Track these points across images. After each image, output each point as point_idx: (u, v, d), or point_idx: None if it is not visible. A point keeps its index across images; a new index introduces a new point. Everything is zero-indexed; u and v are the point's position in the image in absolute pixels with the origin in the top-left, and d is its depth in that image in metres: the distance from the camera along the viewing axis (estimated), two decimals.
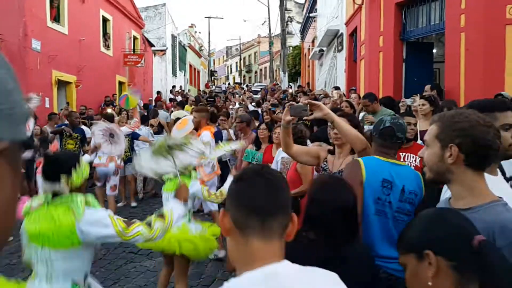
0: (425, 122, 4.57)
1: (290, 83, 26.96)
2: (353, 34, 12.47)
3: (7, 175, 0.55)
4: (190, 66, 34.49)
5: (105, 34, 17.09)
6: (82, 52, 14.66)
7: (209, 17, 45.54)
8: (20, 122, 0.57)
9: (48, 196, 2.25)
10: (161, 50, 24.19)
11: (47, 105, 12.77)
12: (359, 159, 2.42)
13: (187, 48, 32.72)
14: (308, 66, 22.79)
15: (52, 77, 13.29)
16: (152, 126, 9.70)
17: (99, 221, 2.20)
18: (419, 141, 4.14)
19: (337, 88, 11.30)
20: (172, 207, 2.43)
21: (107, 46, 17.19)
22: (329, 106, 6.84)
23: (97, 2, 16.10)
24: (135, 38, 20.44)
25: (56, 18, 13.68)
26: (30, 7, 12.23)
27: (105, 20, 17.04)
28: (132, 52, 19.15)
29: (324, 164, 3.05)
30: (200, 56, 40.60)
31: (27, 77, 12.23)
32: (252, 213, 1.06)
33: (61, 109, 12.78)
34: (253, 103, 16.66)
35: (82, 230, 2.16)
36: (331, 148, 3.16)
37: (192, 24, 39.66)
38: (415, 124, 4.27)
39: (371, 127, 3.46)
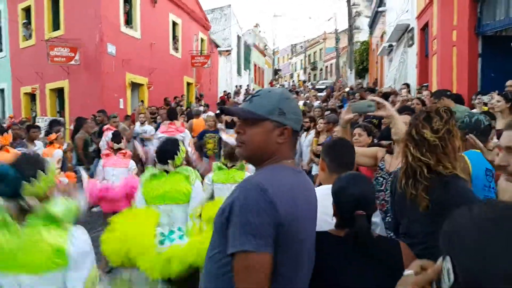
0: (501, 120, 4.28)
1: (357, 80, 26.31)
2: (425, 29, 11.92)
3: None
4: (255, 65, 34.86)
5: (174, 37, 17.78)
6: (153, 55, 15.38)
7: (274, 16, 45.60)
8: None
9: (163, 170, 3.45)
10: (227, 51, 24.69)
11: (121, 106, 13.56)
12: (462, 153, 2.50)
13: (252, 48, 33.10)
14: (377, 62, 22.10)
15: (126, 79, 14.08)
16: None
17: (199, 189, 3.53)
18: (495, 140, 3.88)
19: (407, 85, 10.85)
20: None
21: (176, 49, 17.87)
22: (398, 105, 6.60)
23: (166, 6, 16.79)
24: (202, 40, 21.06)
25: (128, 23, 14.44)
26: (105, 13, 13.01)
27: (174, 24, 17.72)
28: (199, 54, 19.73)
29: (381, 163, 3.02)
30: (264, 55, 40.90)
31: (103, 80, 13.07)
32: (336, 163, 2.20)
33: (134, 109, 13.52)
34: (318, 102, 16.48)
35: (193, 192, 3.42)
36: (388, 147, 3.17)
37: (256, 24, 40.04)
38: None
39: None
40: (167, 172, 3.42)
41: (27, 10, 15.26)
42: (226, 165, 4.38)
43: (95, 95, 12.95)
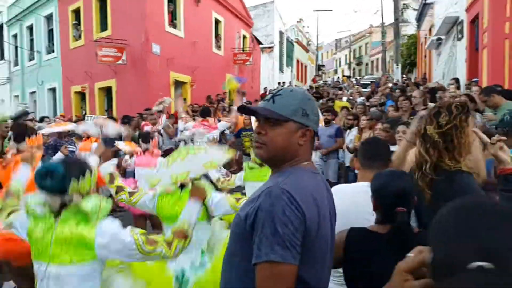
0: None
1: (404, 75, 25.48)
2: (474, 21, 11.36)
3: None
4: (297, 61, 34.62)
5: (217, 35, 17.98)
6: (196, 53, 15.63)
7: (317, 11, 45.01)
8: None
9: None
10: (269, 47, 24.68)
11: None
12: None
13: (295, 44, 32.88)
14: (425, 56, 21.31)
15: (170, 78, 14.41)
16: None
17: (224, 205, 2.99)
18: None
19: (456, 80, 10.37)
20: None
21: (218, 47, 18.07)
22: (445, 101, 6.30)
23: (209, 5, 16.99)
24: (244, 37, 21.16)
25: (173, 23, 14.75)
26: (150, 14, 13.36)
27: (217, 22, 17.92)
28: (241, 51, 19.83)
29: None
30: (307, 51, 40.51)
31: (148, 78, 13.44)
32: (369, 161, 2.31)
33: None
34: (361, 98, 16.11)
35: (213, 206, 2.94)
36: None
37: (300, 19, 39.73)
38: None
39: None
40: (182, 187, 2.94)
41: (77, 12, 15.91)
42: (257, 164, 4.36)
43: (141, 93, 13.37)
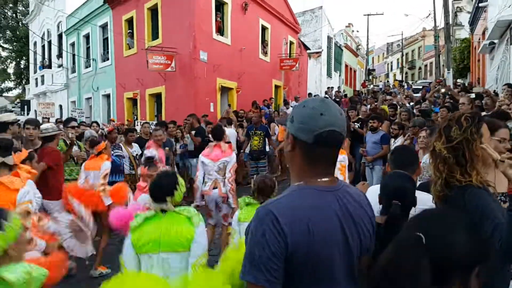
0: None
1: (458, 79, 24.38)
2: None
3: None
4: (346, 66, 34.08)
5: (263, 41, 18.08)
6: (242, 60, 15.81)
7: (368, 14, 44.09)
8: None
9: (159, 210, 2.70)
10: (316, 53, 24.49)
11: (211, 109, 14.14)
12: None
13: (343, 48, 32.41)
14: (478, 60, 20.32)
15: (217, 84, 14.66)
16: None
17: (204, 233, 2.68)
18: None
19: (508, 85, 9.76)
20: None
21: (265, 53, 18.17)
22: (456, 113, 5.93)
23: (257, 12, 17.15)
24: (291, 43, 21.13)
25: (220, 31, 15.01)
26: (199, 23, 13.69)
27: (264, 29, 18.03)
28: (288, 57, 19.82)
29: None
30: (356, 55, 39.79)
31: (196, 84, 13.76)
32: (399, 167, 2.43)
33: (223, 113, 14.05)
34: (411, 103, 15.56)
35: (197, 236, 2.60)
36: None
37: (349, 24, 39.13)
38: None
39: None
40: (163, 211, 2.67)
41: (130, 21, 16.58)
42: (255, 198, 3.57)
43: (188, 99, 13.72)
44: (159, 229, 2.59)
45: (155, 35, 15.31)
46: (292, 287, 1.30)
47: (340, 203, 1.40)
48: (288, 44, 20.80)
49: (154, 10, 15.31)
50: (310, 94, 21.77)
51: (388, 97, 21.50)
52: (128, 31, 16.68)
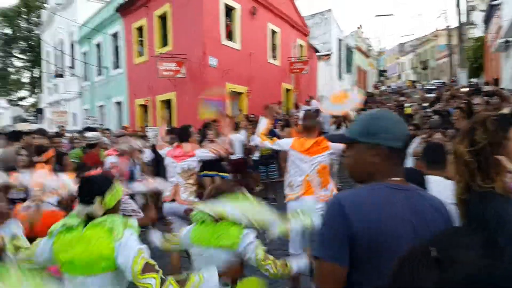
0: None
1: (471, 79, 24.04)
2: None
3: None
4: (357, 67, 33.89)
5: (273, 45, 18.09)
6: (251, 64, 15.83)
7: (379, 16, 43.80)
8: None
9: (81, 218, 2.18)
10: (326, 55, 24.41)
11: None
12: None
13: (354, 50, 32.24)
14: (493, 59, 20.00)
15: (226, 89, 14.68)
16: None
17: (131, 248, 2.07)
18: None
19: None
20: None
21: (274, 57, 18.18)
22: (480, 115, 5.83)
23: (265, 17, 17.18)
24: (300, 46, 21.11)
25: (229, 36, 15.07)
26: (207, 28, 13.77)
27: (273, 33, 18.05)
28: (297, 60, 19.79)
29: None
30: (367, 57, 39.55)
31: (206, 90, 13.77)
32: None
33: (233, 117, 14.06)
34: (424, 104, 15.41)
35: (119, 251, 2.07)
36: None
37: (359, 25, 38.95)
38: None
39: None
40: (87, 222, 2.17)
41: (140, 29, 16.77)
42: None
43: (198, 104, 13.72)
44: (75, 246, 2.09)
45: (165, 42, 15.44)
46: (357, 275, 1.42)
47: (409, 200, 1.48)
48: (298, 47, 20.78)
49: (163, 18, 15.44)
50: (321, 96, 21.66)
51: (401, 98, 21.39)
52: (139, 39, 16.87)
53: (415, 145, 6.71)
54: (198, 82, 13.91)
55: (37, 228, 3.45)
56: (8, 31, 35.23)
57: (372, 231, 1.37)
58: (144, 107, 17.01)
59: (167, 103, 15.72)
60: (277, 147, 4.50)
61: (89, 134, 6.03)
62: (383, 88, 35.94)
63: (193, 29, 13.92)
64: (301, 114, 14.48)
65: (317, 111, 7.97)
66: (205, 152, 4.84)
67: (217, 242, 2.55)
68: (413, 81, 39.79)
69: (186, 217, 4.38)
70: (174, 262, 4.33)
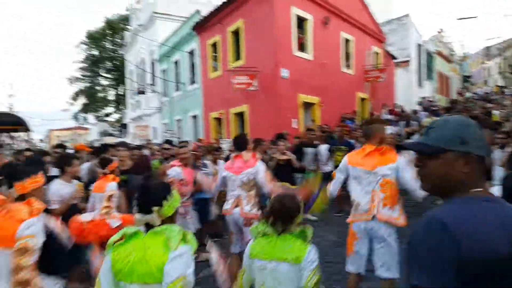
0: None
1: None
2: None
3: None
4: (439, 73, 32.00)
5: (346, 54, 17.65)
6: (324, 74, 15.54)
7: (461, 19, 41.24)
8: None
9: (143, 225, 2.19)
10: (404, 62, 23.32)
11: (294, 126, 14.03)
12: None
13: (434, 55, 30.51)
14: None
15: (298, 100, 14.54)
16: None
17: (183, 257, 2.07)
18: None
19: None
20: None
21: (347, 66, 17.71)
22: None
23: (338, 26, 16.83)
24: (376, 53, 20.38)
25: (301, 47, 14.95)
26: (279, 41, 13.78)
27: (346, 41, 17.62)
28: (372, 68, 19.11)
29: None
30: (450, 62, 37.25)
31: (278, 102, 13.78)
32: None
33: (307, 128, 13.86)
34: None
35: (169, 261, 2.03)
36: None
37: (440, 29, 36.87)
38: None
39: None
40: (148, 227, 2.19)
41: (214, 45, 17.29)
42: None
43: (270, 116, 13.78)
44: (134, 253, 2.08)
45: (238, 56, 15.73)
46: None
47: (505, 213, 1.33)
48: (373, 54, 20.07)
49: (236, 33, 15.76)
50: (395, 104, 20.70)
51: (489, 105, 19.76)
52: (213, 54, 17.40)
53: (502, 154, 6.08)
54: (270, 94, 13.94)
55: (88, 236, 3.52)
56: (95, 52, 38.28)
57: (484, 252, 1.21)
58: (218, 120, 17.40)
59: (240, 116, 15.93)
60: (341, 174, 4.04)
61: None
62: (468, 94, 33.53)
63: (265, 42, 14.01)
64: None
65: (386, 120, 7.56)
66: (263, 168, 4.64)
67: (282, 255, 2.48)
68: (501, 87, 36.75)
69: (245, 228, 4.41)
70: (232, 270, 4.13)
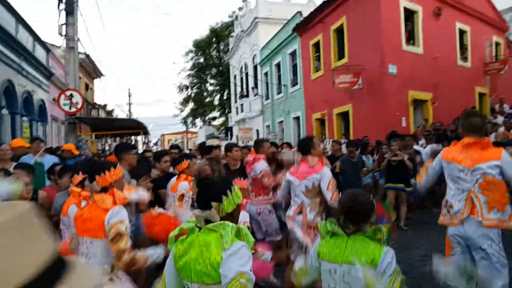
0: None
1: None
2: None
3: None
4: None
5: (461, 46, 16.17)
6: (437, 68, 14.38)
7: None
8: None
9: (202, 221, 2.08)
10: None
11: (403, 124, 13.21)
12: None
13: None
14: None
15: (408, 97, 13.65)
16: None
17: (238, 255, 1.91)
18: None
19: None
20: None
21: (464, 58, 16.21)
22: None
23: (452, 16, 15.49)
24: (497, 43, 18.36)
25: (410, 41, 14.05)
26: (386, 36, 13.13)
27: (461, 32, 16.14)
28: (493, 60, 17.25)
29: None
30: None
31: (384, 100, 13.09)
32: None
33: (418, 127, 12.93)
34: None
35: (224, 261, 1.89)
36: None
37: None
38: None
39: None
40: (206, 223, 2.07)
41: (317, 45, 17.07)
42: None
43: (377, 115, 13.14)
44: (191, 251, 2.00)
45: (341, 55, 15.34)
46: None
47: None
48: (493, 45, 18.11)
49: (339, 31, 15.38)
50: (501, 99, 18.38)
51: None
52: (316, 54, 17.20)
53: None
54: (376, 92, 13.29)
55: (157, 230, 3.57)
56: (201, 60, 40.43)
57: None
58: (321, 120, 17.11)
59: (344, 116, 15.47)
60: (434, 169, 3.58)
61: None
62: None
63: (371, 38, 13.42)
64: (498, 119, 12.46)
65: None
66: (328, 174, 4.23)
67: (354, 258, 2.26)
68: None
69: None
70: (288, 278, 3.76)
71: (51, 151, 8.73)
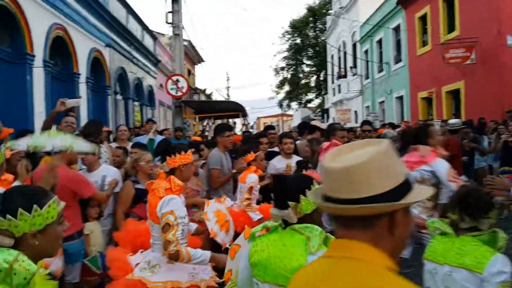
0: None
1: None
2: None
3: None
4: None
5: None
6: None
7: None
8: None
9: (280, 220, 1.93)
10: None
11: None
12: None
13: None
14: None
15: None
16: None
17: None
18: None
19: None
20: None
21: None
22: None
23: None
24: None
25: None
26: (505, 3, 11.86)
27: None
28: None
29: None
30: None
31: (503, 74, 11.94)
32: None
33: None
34: None
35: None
36: None
37: None
38: None
39: None
40: (284, 226, 1.93)
41: (423, 18, 16.00)
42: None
43: (493, 92, 11.96)
44: (270, 248, 1.88)
45: (451, 28, 14.22)
46: None
47: None
48: None
49: (449, 1, 14.25)
50: None
51: None
52: (423, 27, 16.17)
53: None
54: (493, 67, 12.09)
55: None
56: (298, 41, 40.08)
57: None
58: (428, 99, 16.05)
59: (454, 94, 14.33)
60: None
61: (452, 120, 7.28)
62: None
63: (486, 7, 12.22)
64: None
65: None
66: (444, 166, 3.82)
67: (458, 259, 2.09)
68: None
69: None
70: None
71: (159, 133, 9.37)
